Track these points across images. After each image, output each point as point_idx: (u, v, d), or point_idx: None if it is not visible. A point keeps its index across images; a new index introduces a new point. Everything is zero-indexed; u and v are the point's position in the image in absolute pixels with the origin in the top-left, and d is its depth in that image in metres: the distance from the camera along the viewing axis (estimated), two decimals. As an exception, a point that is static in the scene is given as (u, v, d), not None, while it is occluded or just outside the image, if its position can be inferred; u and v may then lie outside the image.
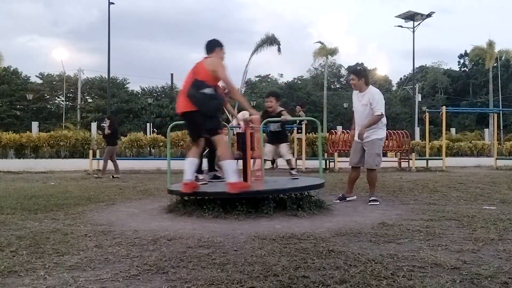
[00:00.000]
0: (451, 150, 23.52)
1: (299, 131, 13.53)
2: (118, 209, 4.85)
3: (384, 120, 5.20)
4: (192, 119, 4.35)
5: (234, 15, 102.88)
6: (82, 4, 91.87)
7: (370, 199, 5.17)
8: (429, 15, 31.96)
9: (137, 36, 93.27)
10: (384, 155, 20.27)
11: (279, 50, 35.59)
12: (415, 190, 6.61)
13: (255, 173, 5.01)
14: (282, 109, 6.00)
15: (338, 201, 5.30)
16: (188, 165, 4.42)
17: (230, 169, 4.20)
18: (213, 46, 4.56)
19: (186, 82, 4.38)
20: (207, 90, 4.23)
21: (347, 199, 5.38)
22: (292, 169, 6.23)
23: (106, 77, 27.36)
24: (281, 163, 13.39)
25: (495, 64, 41.14)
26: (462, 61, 58.43)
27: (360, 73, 5.24)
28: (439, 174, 10.76)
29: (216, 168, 5.68)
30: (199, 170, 5.20)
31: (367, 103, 5.09)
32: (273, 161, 13.09)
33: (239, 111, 7.03)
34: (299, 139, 13.49)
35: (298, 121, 12.53)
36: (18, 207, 4.76)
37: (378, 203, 5.06)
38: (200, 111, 4.21)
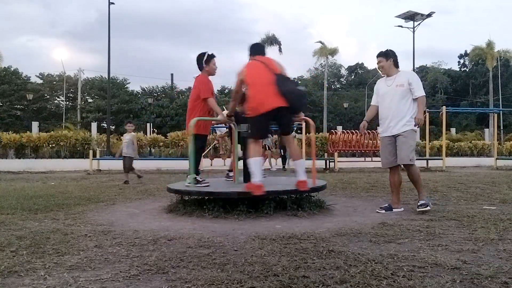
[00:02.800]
0: (451, 150, 23.54)
1: (299, 131, 13.55)
2: (118, 209, 4.85)
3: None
4: (285, 116, 4.32)
5: (234, 16, 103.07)
6: (82, 5, 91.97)
7: (418, 203, 4.45)
8: (429, 15, 31.95)
9: (137, 36, 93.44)
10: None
11: (280, 50, 35.62)
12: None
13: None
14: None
15: (383, 211, 4.55)
16: (256, 166, 4.21)
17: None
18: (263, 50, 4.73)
19: (265, 76, 4.26)
20: (301, 88, 4.40)
21: (394, 210, 4.56)
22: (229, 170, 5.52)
23: (106, 77, 27.36)
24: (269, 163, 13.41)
25: (495, 64, 41.17)
26: (462, 61, 58.47)
27: (388, 55, 4.66)
28: (439, 174, 10.76)
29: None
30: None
31: (403, 83, 4.49)
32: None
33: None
34: (299, 140, 13.50)
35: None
36: (18, 207, 4.76)
37: (428, 208, 4.36)
38: (295, 108, 4.33)
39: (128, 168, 8.43)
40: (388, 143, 4.62)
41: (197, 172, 4.69)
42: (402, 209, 4.61)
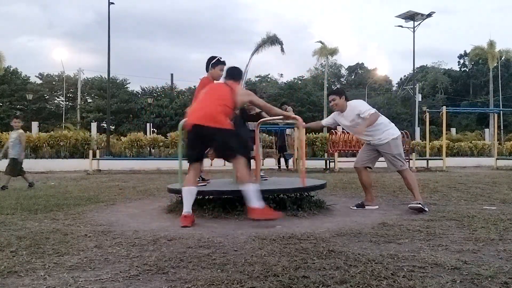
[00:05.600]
0: (451, 150, 23.53)
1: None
2: (118, 209, 4.85)
3: (381, 119, 4.73)
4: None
5: (234, 16, 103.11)
6: (81, 6, 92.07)
7: (409, 204, 4.51)
8: (429, 15, 31.95)
9: (137, 36, 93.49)
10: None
11: (282, 50, 35.52)
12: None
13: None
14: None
15: (355, 208, 4.77)
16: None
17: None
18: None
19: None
20: None
21: (366, 207, 4.75)
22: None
23: (106, 77, 27.37)
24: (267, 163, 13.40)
25: (495, 64, 41.19)
26: (462, 61, 58.46)
27: (340, 92, 4.85)
28: (440, 174, 10.75)
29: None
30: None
31: (355, 119, 4.70)
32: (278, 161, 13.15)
33: None
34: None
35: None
36: (18, 207, 4.76)
37: (419, 205, 4.38)
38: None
39: (18, 172, 7.25)
40: (367, 147, 4.93)
41: None
42: (377, 206, 4.83)
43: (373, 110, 4.64)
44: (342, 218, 4.13)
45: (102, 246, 2.99)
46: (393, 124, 4.88)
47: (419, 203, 4.43)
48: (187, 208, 3.80)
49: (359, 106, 4.74)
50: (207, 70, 4.77)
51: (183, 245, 3.01)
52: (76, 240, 3.17)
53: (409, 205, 4.50)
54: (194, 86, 48.11)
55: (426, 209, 4.44)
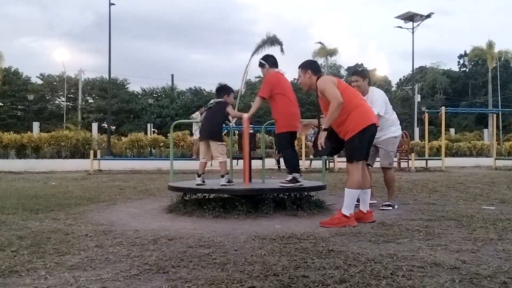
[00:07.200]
0: (450, 150, 23.56)
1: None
2: (118, 209, 4.86)
3: (392, 116, 4.89)
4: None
5: (235, 16, 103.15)
6: (82, 6, 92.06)
7: (383, 203, 4.79)
8: (428, 16, 31.93)
9: (137, 37, 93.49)
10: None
11: (282, 50, 35.46)
12: (414, 190, 6.62)
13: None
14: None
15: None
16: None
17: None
18: None
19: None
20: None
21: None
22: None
23: (107, 77, 27.39)
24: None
25: (494, 65, 41.21)
26: (461, 61, 58.44)
27: (364, 74, 4.90)
28: (438, 174, 10.77)
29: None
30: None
31: (370, 104, 4.57)
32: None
33: None
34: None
35: None
36: (19, 207, 4.77)
37: (390, 208, 4.67)
38: None
39: None
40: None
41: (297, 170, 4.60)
42: (375, 201, 4.95)
43: (377, 111, 4.54)
44: (342, 218, 4.13)
45: (103, 245, 3.00)
46: (398, 123, 5.00)
47: (389, 204, 4.73)
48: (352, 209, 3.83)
49: (375, 99, 4.71)
50: (270, 66, 4.87)
51: (184, 244, 3.02)
52: (77, 240, 3.18)
53: (380, 208, 4.68)
54: (195, 87, 48.24)
55: (396, 206, 4.76)
